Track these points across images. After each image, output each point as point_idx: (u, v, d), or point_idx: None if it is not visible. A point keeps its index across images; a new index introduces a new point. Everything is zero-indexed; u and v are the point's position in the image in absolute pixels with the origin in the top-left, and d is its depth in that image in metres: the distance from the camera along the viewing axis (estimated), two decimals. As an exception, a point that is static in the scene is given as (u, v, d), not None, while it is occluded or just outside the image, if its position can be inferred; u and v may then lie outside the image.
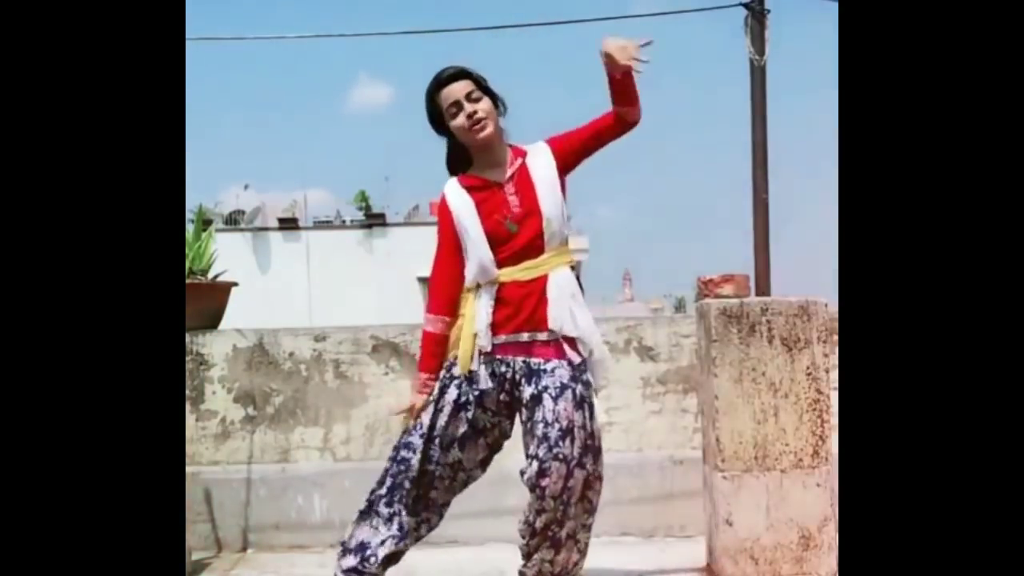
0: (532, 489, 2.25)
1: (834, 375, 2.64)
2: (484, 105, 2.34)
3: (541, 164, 2.38)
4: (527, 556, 2.36)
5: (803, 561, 2.64)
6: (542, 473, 2.22)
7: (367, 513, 2.41)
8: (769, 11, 10.28)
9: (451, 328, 2.41)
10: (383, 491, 2.39)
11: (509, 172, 2.38)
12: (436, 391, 2.37)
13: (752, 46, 10.23)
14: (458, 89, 2.34)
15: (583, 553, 2.40)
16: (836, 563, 2.60)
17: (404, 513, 2.38)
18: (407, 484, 2.36)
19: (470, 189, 2.39)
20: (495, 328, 2.32)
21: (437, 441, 2.35)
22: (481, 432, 2.38)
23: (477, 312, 2.33)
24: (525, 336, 2.32)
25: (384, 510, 2.39)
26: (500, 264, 2.33)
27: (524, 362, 2.31)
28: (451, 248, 2.41)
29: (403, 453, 2.38)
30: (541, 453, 2.23)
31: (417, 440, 2.36)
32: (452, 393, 2.34)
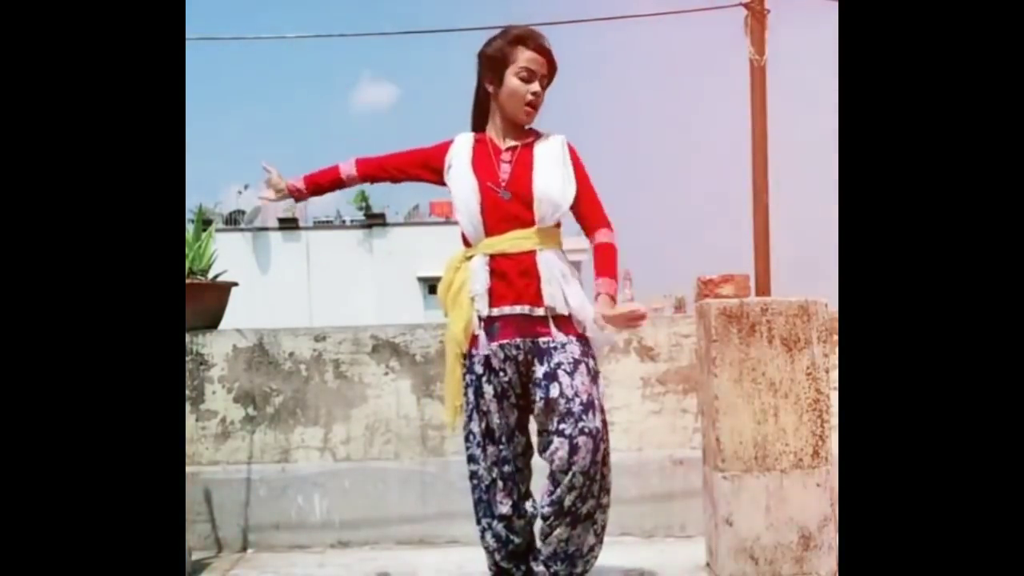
0: (563, 467, 2.22)
1: (834, 375, 2.64)
2: (542, 96, 2.36)
3: (549, 148, 2.37)
4: (545, 535, 2.32)
5: (803, 561, 2.64)
6: (574, 449, 2.20)
7: (478, 523, 2.45)
8: (769, 11, 10.28)
9: (355, 180, 2.50)
10: (474, 509, 2.43)
11: (513, 143, 2.38)
12: (471, 396, 2.36)
13: (752, 46, 10.22)
14: (540, 63, 2.33)
15: (599, 539, 2.35)
16: (836, 563, 2.60)
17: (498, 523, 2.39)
18: (485, 496, 2.38)
19: (477, 141, 2.41)
20: (492, 298, 2.30)
21: (498, 439, 2.35)
22: (527, 409, 2.38)
23: (473, 277, 2.32)
24: (525, 309, 2.29)
25: (484, 521, 2.42)
26: (489, 230, 2.32)
27: (532, 342, 2.29)
28: (419, 161, 2.45)
29: (471, 467, 2.40)
30: (568, 429, 2.21)
31: (476, 451, 2.37)
32: (488, 389, 2.32)
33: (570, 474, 2.21)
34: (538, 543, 2.37)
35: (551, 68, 2.36)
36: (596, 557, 2.37)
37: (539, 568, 2.35)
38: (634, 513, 3.30)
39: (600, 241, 2.40)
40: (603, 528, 2.35)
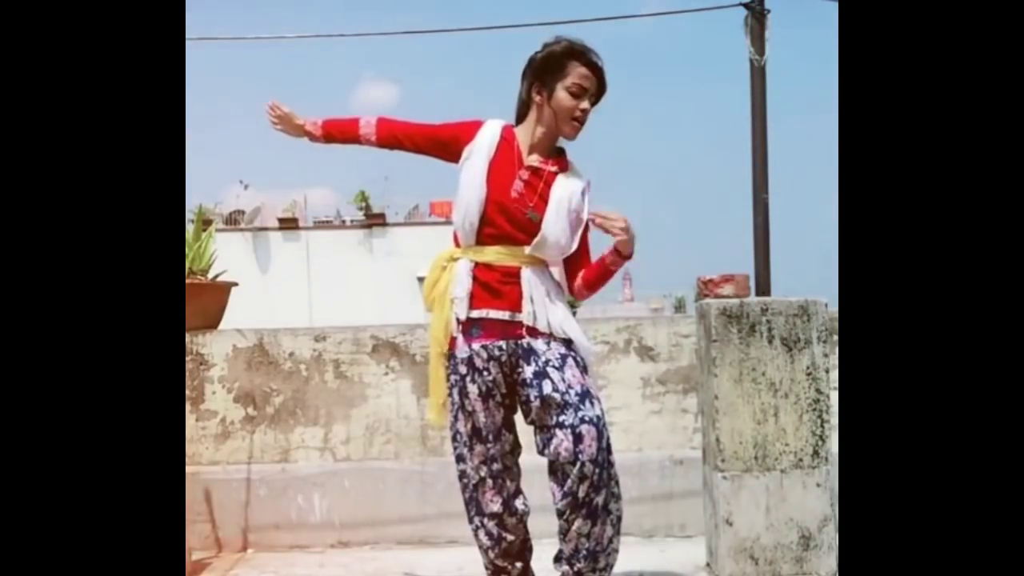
0: (570, 458, 2.19)
1: (834, 375, 2.64)
2: (589, 114, 2.33)
3: (568, 191, 2.33)
4: (565, 532, 2.28)
5: (803, 561, 2.64)
6: (578, 438, 2.19)
7: (470, 522, 2.44)
8: (769, 11, 10.29)
9: (371, 143, 2.44)
10: (466, 508, 2.43)
11: (537, 163, 2.34)
12: (456, 396, 2.35)
13: (752, 46, 10.23)
14: (591, 81, 2.31)
15: (617, 530, 2.32)
16: (836, 563, 2.60)
17: (490, 521, 2.40)
18: (475, 495, 2.38)
19: (503, 140, 2.36)
20: (473, 302, 2.31)
21: (484, 438, 2.34)
22: (512, 408, 2.38)
23: (456, 279, 2.32)
24: (506, 315, 2.29)
25: (476, 520, 2.42)
26: (481, 240, 2.31)
27: (515, 343, 2.29)
28: (439, 142, 2.40)
29: (459, 467, 2.40)
30: (569, 419, 2.20)
31: (464, 451, 2.37)
32: (473, 389, 2.32)
33: (578, 464, 2.19)
34: (559, 543, 2.33)
35: (600, 87, 2.34)
36: (616, 551, 2.34)
37: (563, 568, 2.32)
38: (634, 513, 3.29)
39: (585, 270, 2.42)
40: (619, 519, 2.32)
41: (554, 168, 2.35)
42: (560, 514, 2.27)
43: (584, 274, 2.40)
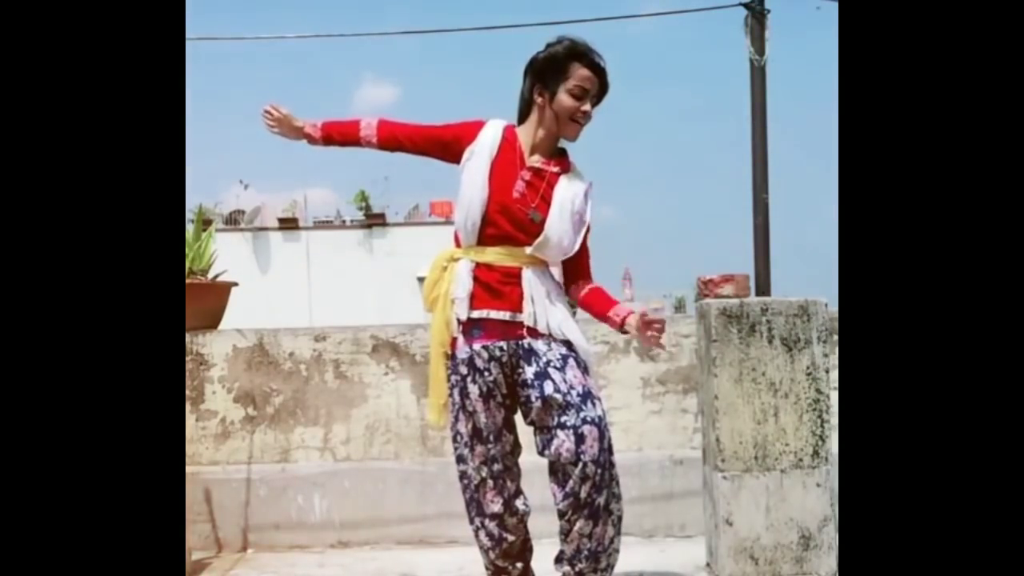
0: (571, 459, 2.20)
1: (834, 375, 2.64)
2: (591, 115, 2.33)
3: (571, 193, 2.33)
4: (566, 533, 2.28)
5: (803, 561, 2.64)
6: (580, 439, 2.20)
7: (471, 522, 2.44)
8: (769, 11, 10.30)
9: (372, 145, 2.42)
10: (466, 509, 2.42)
11: (539, 164, 2.34)
12: (457, 397, 2.34)
13: (752, 46, 10.24)
14: (593, 82, 2.30)
15: (618, 530, 2.31)
16: (836, 563, 2.60)
17: (492, 521, 2.39)
18: (476, 495, 2.38)
19: (504, 140, 2.35)
20: (474, 302, 2.30)
21: (485, 438, 2.33)
22: (513, 408, 2.38)
23: (457, 280, 2.31)
24: (507, 315, 2.29)
25: (476, 520, 2.41)
26: (482, 240, 2.31)
27: (516, 344, 2.29)
28: (440, 143, 2.39)
29: (460, 467, 2.39)
30: (571, 420, 2.20)
31: (464, 451, 2.36)
32: (473, 389, 2.31)
33: (580, 464, 2.19)
34: (560, 544, 2.32)
35: (602, 88, 2.34)
36: (617, 551, 2.33)
37: (564, 568, 2.32)
38: (634, 513, 3.29)
39: (594, 286, 2.43)
40: (620, 519, 2.32)
41: (556, 169, 2.35)
42: (562, 515, 2.27)
43: (586, 296, 2.42)
